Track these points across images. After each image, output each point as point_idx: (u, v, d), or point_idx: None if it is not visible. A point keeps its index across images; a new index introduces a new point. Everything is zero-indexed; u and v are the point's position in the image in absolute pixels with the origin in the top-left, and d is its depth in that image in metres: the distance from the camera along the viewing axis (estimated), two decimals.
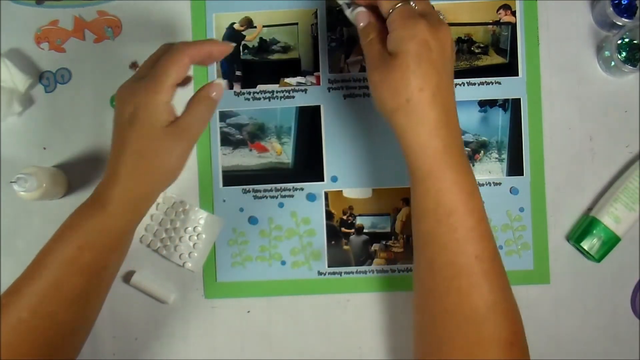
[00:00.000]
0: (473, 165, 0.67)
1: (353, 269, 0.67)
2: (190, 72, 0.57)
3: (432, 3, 0.67)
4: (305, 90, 0.68)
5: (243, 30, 0.69)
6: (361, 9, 0.54)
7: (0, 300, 0.50)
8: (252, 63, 0.69)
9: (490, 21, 0.68)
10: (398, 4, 0.50)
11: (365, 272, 0.67)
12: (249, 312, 0.68)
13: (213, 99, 0.52)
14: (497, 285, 0.50)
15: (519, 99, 0.68)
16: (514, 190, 0.67)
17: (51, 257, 0.51)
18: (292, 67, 0.68)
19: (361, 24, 0.54)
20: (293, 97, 0.68)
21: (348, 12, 0.55)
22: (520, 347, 0.50)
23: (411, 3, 0.51)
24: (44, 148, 0.68)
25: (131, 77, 0.52)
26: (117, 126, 0.52)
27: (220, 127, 0.68)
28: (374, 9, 0.53)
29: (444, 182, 0.49)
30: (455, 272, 0.49)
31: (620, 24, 0.64)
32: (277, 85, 0.68)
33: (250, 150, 0.68)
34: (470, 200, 0.50)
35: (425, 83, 0.48)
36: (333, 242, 0.67)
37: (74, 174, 0.68)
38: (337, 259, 0.67)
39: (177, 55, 0.50)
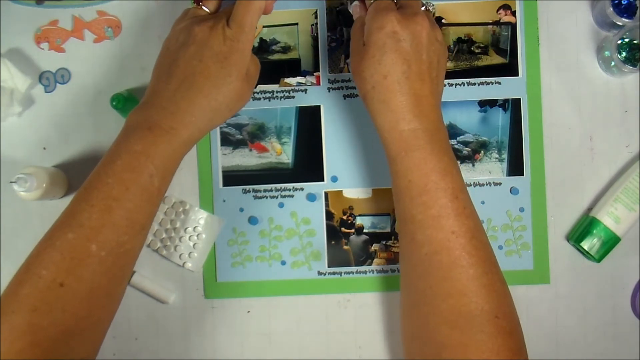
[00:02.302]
0: (473, 166, 0.67)
1: (353, 269, 0.67)
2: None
3: (433, 3, 0.68)
4: (305, 90, 0.68)
5: None
6: (356, 2, 0.58)
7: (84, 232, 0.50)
8: None
9: (490, 21, 0.68)
10: None
11: (365, 272, 0.67)
12: (249, 312, 0.68)
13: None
14: (478, 260, 0.51)
15: (519, 99, 0.68)
16: (514, 190, 0.67)
17: (126, 187, 0.50)
18: (292, 67, 0.68)
19: (355, 17, 0.58)
20: (293, 97, 0.68)
21: (350, 7, 0.60)
22: (507, 320, 0.51)
23: None
24: (44, 148, 0.68)
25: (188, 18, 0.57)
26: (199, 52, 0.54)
27: (220, 127, 0.68)
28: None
29: (412, 162, 0.52)
30: (435, 248, 0.51)
31: (620, 24, 0.64)
32: (277, 85, 0.68)
33: (250, 150, 0.68)
34: (442, 179, 0.51)
35: (390, 71, 0.52)
36: (333, 242, 0.67)
37: (74, 174, 0.68)
38: (337, 259, 0.67)
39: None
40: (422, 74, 0.53)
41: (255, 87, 0.68)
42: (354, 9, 0.59)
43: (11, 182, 0.61)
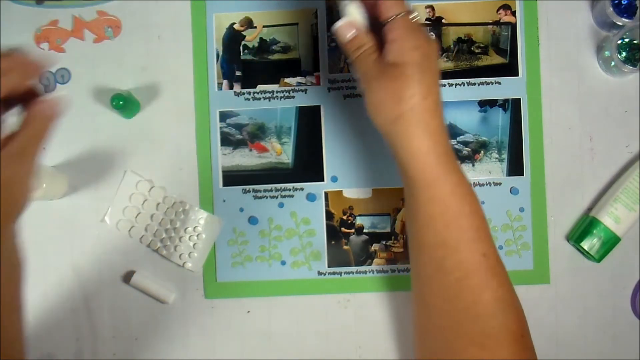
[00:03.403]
0: (473, 166, 0.67)
1: (353, 269, 0.67)
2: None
3: (433, 3, 0.68)
4: (305, 90, 0.68)
5: (243, 30, 0.69)
6: (342, 22, 0.52)
7: None
8: (252, 63, 0.69)
9: (490, 21, 0.68)
10: (401, 12, 0.50)
11: (365, 272, 0.67)
12: (249, 312, 0.68)
13: (50, 116, 0.45)
14: (504, 280, 0.51)
15: (519, 99, 0.68)
16: (514, 190, 0.67)
17: None
18: (292, 67, 0.68)
19: (345, 39, 0.52)
20: (293, 97, 0.68)
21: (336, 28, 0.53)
22: (529, 338, 0.52)
23: (414, 14, 0.51)
24: (44, 148, 0.68)
25: None
26: None
27: (220, 127, 0.68)
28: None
29: (450, 186, 0.50)
30: (466, 273, 0.50)
31: (620, 24, 0.64)
32: (277, 85, 0.68)
33: (250, 150, 0.68)
34: (474, 201, 0.51)
35: (430, 92, 0.49)
36: (333, 242, 0.67)
37: (74, 174, 0.68)
38: (337, 259, 0.67)
39: None
40: (440, 92, 0.51)
41: (255, 87, 0.68)
42: (341, 29, 0.52)
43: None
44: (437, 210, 0.51)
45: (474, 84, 0.68)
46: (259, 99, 0.68)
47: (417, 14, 0.51)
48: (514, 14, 0.68)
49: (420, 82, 0.49)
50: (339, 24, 0.52)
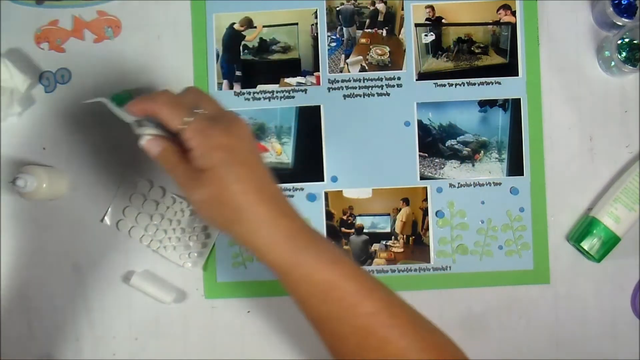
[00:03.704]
0: (473, 166, 0.67)
1: None
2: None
3: (433, 3, 0.68)
4: (305, 90, 0.68)
5: (243, 30, 0.69)
6: (149, 133, 0.51)
7: None
8: (252, 63, 0.69)
9: (490, 21, 0.68)
10: (184, 118, 0.48)
11: None
12: (249, 312, 0.68)
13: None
14: (404, 328, 0.49)
15: (519, 99, 0.68)
16: (514, 190, 0.67)
17: None
18: (292, 67, 0.68)
19: (154, 152, 0.51)
20: (293, 97, 0.68)
21: (140, 133, 0.51)
22: None
23: (198, 111, 0.49)
24: (44, 148, 0.68)
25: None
26: None
27: None
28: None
29: (307, 265, 0.48)
30: (362, 336, 0.49)
31: (620, 24, 0.64)
32: (277, 85, 0.68)
33: None
34: (341, 267, 0.49)
35: (245, 185, 0.48)
36: (333, 242, 0.67)
37: (74, 174, 0.68)
38: None
39: None
40: (266, 173, 0.50)
41: (255, 87, 0.68)
42: (151, 144, 0.51)
43: (11, 182, 0.61)
44: (307, 288, 0.49)
45: (474, 84, 0.68)
46: (259, 99, 0.68)
47: (201, 110, 0.49)
48: (514, 14, 0.68)
49: (230, 180, 0.47)
50: (143, 142, 0.51)
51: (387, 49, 0.68)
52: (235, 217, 0.48)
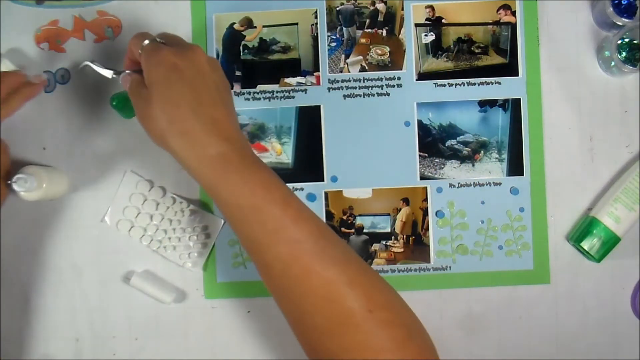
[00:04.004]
0: (473, 166, 0.67)
1: None
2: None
3: (433, 3, 0.68)
4: (305, 90, 0.68)
5: (243, 30, 0.69)
6: (123, 74, 0.57)
7: None
8: (252, 63, 0.69)
9: (490, 21, 0.68)
10: (143, 42, 0.53)
11: None
12: (249, 312, 0.68)
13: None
14: (332, 260, 0.49)
15: (519, 99, 0.68)
16: (514, 190, 0.67)
17: None
18: (292, 67, 0.68)
19: (126, 85, 0.56)
20: (293, 97, 0.68)
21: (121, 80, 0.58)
22: (385, 311, 0.49)
23: (157, 39, 0.54)
24: (44, 148, 0.68)
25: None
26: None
27: None
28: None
29: (235, 185, 0.49)
30: (285, 263, 0.49)
31: (620, 24, 0.64)
32: (277, 85, 0.68)
33: None
34: (268, 192, 0.50)
35: (181, 101, 0.50)
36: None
37: (74, 174, 0.68)
38: None
39: None
40: (214, 98, 0.52)
41: (255, 87, 0.68)
42: (124, 80, 0.57)
43: (11, 182, 0.61)
44: (233, 211, 0.50)
45: (474, 84, 0.68)
46: (259, 99, 0.68)
47: (155, 37, 0.54)
48: (514, 14, 0.68)
49: (169, 94, 0.50)
50: (120, 79, 0.57)
51: (387, 49, 0.68)
52: (168, 132, 0.50)
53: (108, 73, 0.60)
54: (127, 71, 0.56)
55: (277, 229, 0.49)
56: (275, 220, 0.49)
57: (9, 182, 0.61)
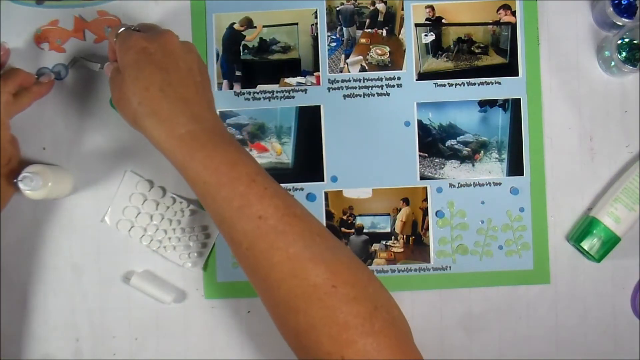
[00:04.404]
0: (473, 166, 0.67)
1: None
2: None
3: (433, 3, 0.68)
4: (305, 90, 0.68)
5: (243, 30, 0.69)
6: (107, 64, 0.61)
7: None
8: (252, 63, 0.69)
9: (490, 21, 0.68)
10: (117, 31, 0.56)
11: None
12: (249, 312, 0.68)
13: None
14: (296, 236, 0.49)
15: (519, 99, 0.68)
16: (514, 190, 0.67)
17: None
18: (292, 67, 0.68)
19: (108, 74, 0.58)
20: (293, 97, 0.68)
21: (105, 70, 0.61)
22: (349, 286, 0.48)
23: (131, 27, 0.57)
24: (44, 148, 0.68)
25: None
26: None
27: None
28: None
29: (201, 163, 0.51)
30: (251, 240, 0.49)
31: (620, 24, 0.64)
32: (277, 85, 0.68)
33: (250, 150, 0.68)
34: (233, 169, 0.50)
35: (150, 82, 0.52)
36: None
37: (74, 174, 0.68)
38: None
39: None
40: (184, 79, 0.53)
41: (255, 87, 0.68)
42: (107, 69, 0.60)
43: (16, 180, 0.61)
44: (200, 188, 0.51)
45: (474, 84, 0.68)
46: (259, 99, 0.68)
47: (130, 25, 0.57)
48: (514, 14, 0.68)
49: (137, 77, 0.52)
50: (106, 65, 0.61)
51: (387, 49, 0.68)
52: (138, 111, 0.52)
53: (95, 66, 0.65)
54: (109, 62, 0.60)
55: (242, 205, 0.50)
56: (240, 197, 0.50)
57: (15, 180, 0.61)
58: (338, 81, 0.68)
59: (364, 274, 0.50)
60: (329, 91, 0.68)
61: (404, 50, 0.68)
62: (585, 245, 0.65)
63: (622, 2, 0.65)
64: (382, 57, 0.68)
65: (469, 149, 0.68)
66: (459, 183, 0.67)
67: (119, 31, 0.56)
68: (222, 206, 0.50)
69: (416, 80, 0.68)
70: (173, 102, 0.52)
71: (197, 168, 0.51)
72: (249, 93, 0.68)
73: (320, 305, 0.48)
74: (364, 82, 0.68)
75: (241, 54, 0.69)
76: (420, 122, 0.68)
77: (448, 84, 0.68)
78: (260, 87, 0.68)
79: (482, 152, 0.68)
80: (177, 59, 0.54)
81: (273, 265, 0.49)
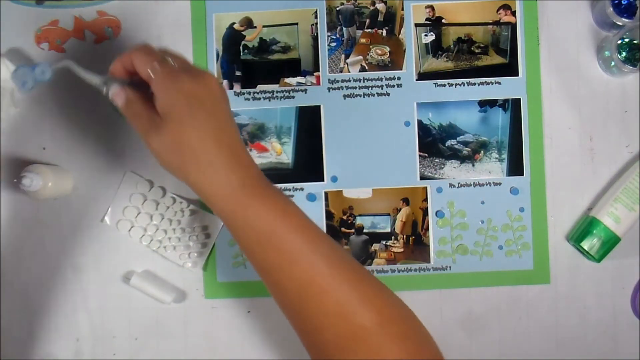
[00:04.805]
0: (473, 166, 0.67)
1: None
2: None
3: (433, 3, 0.68)
4: (305, 90, 0.68)
5: (243, 30, 0.69)
6: (115, 87, 0.52)
7: None
8: (252, 63, 0.69)
9: (490, 21, 0.68)
10: (154, 63, 0.50)
11: None
12: (249, 312, 0.68)
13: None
14: (343, 278, 0.50)
15: (519, 99, 0.68)
16: (514, 190, 0.67)
17: None
18: (292, 67, 0.68)
19: (121, 102, 0.52)
20: (293, 97, 0.68)
21: (106, 92, 0.53)
22: (395, 325, 0.50)
23: (169, 59, 0.52)
24: (44, 148, 0.68)
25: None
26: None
27: None
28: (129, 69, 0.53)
29: (255, 213, 0.50)
30: (301, 285, 0.50)
31: (620, 24, 0.64)
32: (277, 85, 0.68)
33: (250, 150, 0.68)
34: (286, 217, 0.50)
35: (205, 132, 0.49)
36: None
37: (74, 174, 0.68)
38: None
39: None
40: (230, 126, 0.51)
41: (255, 87, 0.68)
42: (116, 96, 0.52)
43: (16, 180, 0.61)
44: (251, 236, 0.50)
45: (474, 84, 0.68)
46: (259, 99, 0.68)
47: (170, 60, 0.52)
48: (514, 14, 0.68)
49: (192, 125, 0.49)
50: (111, 93, 0.52)
51: (387, 49, 0.68)
52: (190, 164, 0.49)
53: (95, 79, 0.53)
54: (116, 82, 0.52)
55: (293, 252, 0.50)
56: (292, 244, 0.50)
57: (15, 180, 0.61)
58: (338, 81, 0.68)
59: (407, 311, 0.52)
60: (329, 91, 0.68)
61: (404, 50, 0.68)
62: (585, 245, 0.65)
63: (622, 2, 0.65)
64: (382, 57, 0.68)
65: (469, 149, 0.68)
66: (459, 183, 0.67)
67: (157, 66, 0.50)
68: (271, 254, 0.50)
69: (416, 80, 0.68)
70: (226, 151, 0.50)
71: (249, 217, 0.50)
72: (249, 93, 0.68)
73: (368, 345, 0.48)
74: (364, 82, 0.68)
75: (241, 54, 0.69)
76: (420, 122, 0.68)
77: (448, 84, 0.68)
78: (260, 87, 0.68)
79: (482, 152, 0.68)
80: (222, 105, 0.51)
81: (321, 308, 0.49)
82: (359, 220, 0.68)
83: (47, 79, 0.55)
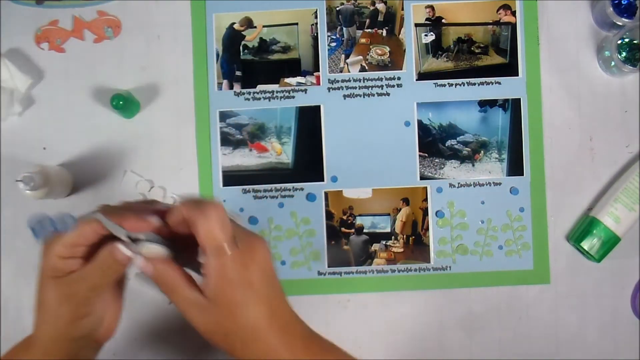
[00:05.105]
0: (473, 166, 0.67)
1: (353, 269, 0.67)
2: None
3: (433, 3, 0.68)
4: (305, 90, 0.68)
5: (243, 30, 0.69)
6: (145, 254, 0.46)
7: None
8: (252, 63, 0.69)
9: (490, 21, 0.68)
10: (224, 245, 0.43)
11: (365, 272, 0.67)
12: None
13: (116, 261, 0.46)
14: None
15: (519, 99, 0.68)
16: (514, 190, 0.67)
17: None
18: (292, 67, 0.68)
19: (150, 272, 0.47)
20: (293, 97, 0.68)
21: (135, 252, 0.46)
22: None
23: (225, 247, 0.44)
24: (44, 148, 0.68)
25: None
26: None
27: (220, 127, 0.68)
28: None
29: None
30: None
31: (620, 24, 0.64)
32: (277, 85, 0.68)
33: (250, 150, 0.68)
34: None
35: (258, 319, 0.45)
36: (333, 242, 0.67)
37: (74, 174, 0.68)
38: (337, 259, 0.67)
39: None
40: (282, 300, 0.47)
41: (255, 87, 0.68)
42: (145, 267, 0.47)
43: (17, 180, 0.61)
44: None
45: (474, 84, 0.68)
46: (259, 99, 0.68)
47: (235, 245, 0.44)
48: (514, 14, 0.68)
49: (248, 316, 0.45)
50: (139, 264, 0.46)
51: (387, 49, 0.68)
52: (244, 347, 0.46)
53: (121, 232, 0.45)
54: (146, 242, 0.45)
55: None
56: None
57: (15, 180, 0.61)
58: (338, 81, 0.68)
59: None
60: (329, 91, 0.68)
61: (404, 50, 0.68)
62: (585, 245, 0.65)
63: (622, 2, 0.65)
64: (382, 57, 0.68)
65: (469, 149, 0.68)
66: (459, 183, 0.67)
67: (227, 250, 0.43)
68: None
69: (416, 80, 0.68)
70: (278, 334, 0.46)
71: None
72: (249, 93, 0.68)
73: None
74: (364, 82, 0.68)
75: (241, 54, 0.69)
76: (420, 122, 0.68)
77: (448, 84, 0.68)
78: (260, 87, 0.68)
79: (482, 152, 0.68)
80: (274, 280, 0.47)
81: None
82: (359, 220, 0.68)
83: (67, 229, 0.50)
